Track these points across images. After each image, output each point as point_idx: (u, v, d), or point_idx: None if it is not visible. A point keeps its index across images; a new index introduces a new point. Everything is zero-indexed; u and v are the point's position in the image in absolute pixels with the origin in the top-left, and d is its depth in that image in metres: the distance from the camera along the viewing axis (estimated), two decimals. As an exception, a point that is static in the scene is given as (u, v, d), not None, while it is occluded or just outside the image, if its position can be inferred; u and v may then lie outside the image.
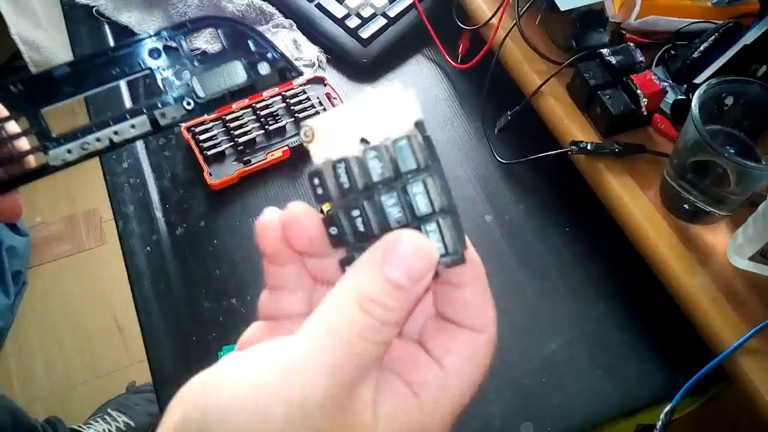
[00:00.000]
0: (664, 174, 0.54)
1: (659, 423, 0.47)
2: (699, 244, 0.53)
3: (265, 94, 0.68)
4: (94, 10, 0.75)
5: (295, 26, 0.74)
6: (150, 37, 0.37)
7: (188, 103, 0.38)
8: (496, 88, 0.65)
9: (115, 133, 0.37)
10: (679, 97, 0.59)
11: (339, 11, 0.73)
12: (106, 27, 0.75)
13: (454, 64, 0.70)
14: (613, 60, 0.58)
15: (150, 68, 0.37)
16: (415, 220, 0.25)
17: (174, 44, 0.38)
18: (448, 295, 0.25)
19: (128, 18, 0.75)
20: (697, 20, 0.63)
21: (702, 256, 0.52)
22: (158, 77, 0.38)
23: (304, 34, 0.74)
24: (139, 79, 0.38)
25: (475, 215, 0.61)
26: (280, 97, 0.68)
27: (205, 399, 0.22)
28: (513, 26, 0.63)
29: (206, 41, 0.73)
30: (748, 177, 0.48)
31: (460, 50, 0.72)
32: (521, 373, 0.52)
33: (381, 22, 0.73)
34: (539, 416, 0.50)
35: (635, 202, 0.55)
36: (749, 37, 0.56)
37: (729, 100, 0.51)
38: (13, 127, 0.35)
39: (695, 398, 0.53)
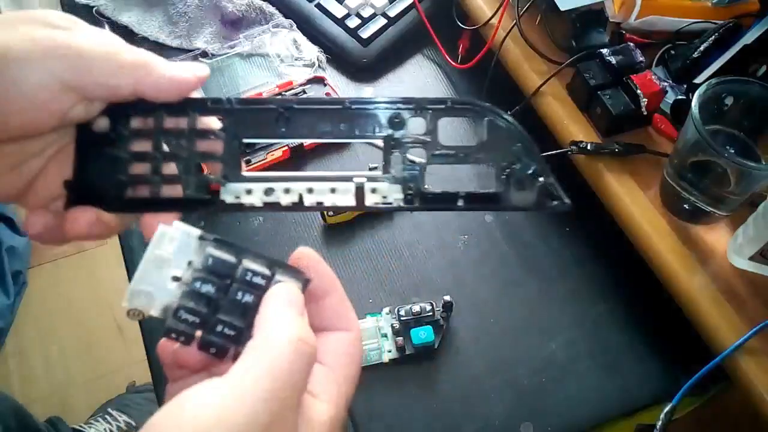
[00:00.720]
0: (664, 174, 0.54)
1: (659, 423, 0.47)
2: (699, 244, 0.53)
3: (264, 94, 0.68)
4: (94, 10, 0.75)
5: (295, 26, 0.74)
6: (396, 102, 0.31)
7: (409, 190, 0.31)
8: (496, 88, 0.65)
9: (309, 191, 0.31)
10: (679, 97, 0.59)
11: (339, 11, 0.73)
12: (107, 27, 0.75)
13: (454, 64, 0.70)
14: (613, 60, 0.58)
15: (387, 136, 0.31)
16: (262, 291, 0.28)
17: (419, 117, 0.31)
18: (314, 308, 0.29)
19: (128, 18, 0.75)
20: (697, 20, 0.63)
21: (702, 256, 0.52)
22: (388, 149, 0.31)
23: (304, 34, 0.74)
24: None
25: (475, 215, 0.61)
26: (280, 97, 0.68)
27: None
28: (513, 26, 0.63)
29: (206, 41, 0.73)
30: (748, 177, 0.48)
31: (460, 50, 0.72)
32: (521, 373, 0.52)
33: (381, 22, 0.73)
34: (539, 416, 0.50)
35: (635, 202, 0.55)
36: (749, 37, 0.56)
37: (729, 100, 0.51)
38: (214, 146, 0.31)
39: (695, 398, 0.53)
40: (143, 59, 0.28)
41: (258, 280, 0.28)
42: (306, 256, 0.29)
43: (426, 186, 0.31)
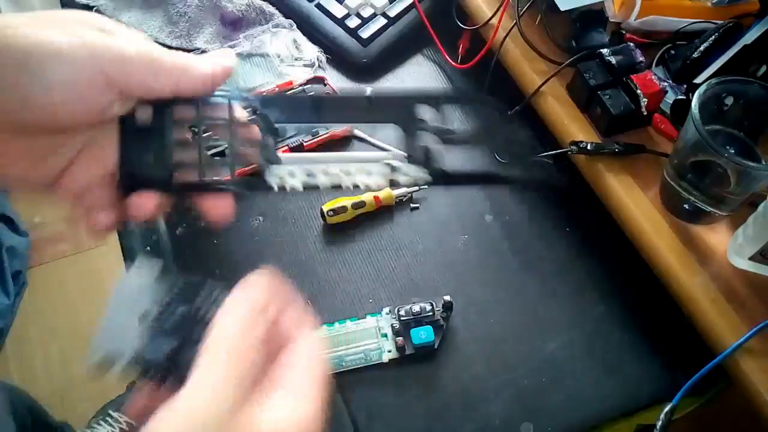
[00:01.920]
0: (664, 174, 0.54)
1: (659, 423, 0.47)
2: (699, 244, 0.53)
3: (264, 94, 0.68)
4: (94, 10, 0.75)
5: (295, 26, 0.74)
6: (413, 96, 0.34)
7: (432, 170, 0.34)
8: (496, 88, 0.65)
9: (347, 173, 0.34)
10: (679, 97, 0.59)
11: (339, 11, 0.73)
12: (106, 27, 0.75)
13: (454, 64, 0.70)
14: (613, 60, 0.58)
15: (406, 123, 0.34)
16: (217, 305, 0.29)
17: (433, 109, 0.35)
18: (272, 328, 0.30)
19: (128, 18, 0.75)
20: (697, 20, 0.63)
21: (702, 256, 0.52)
22: (409, 134, 0.34)
23: (304, 34, 0.74)
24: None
25: (475, 215, 0.61)
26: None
27: None
28: (513, 26, 0.63)
29: (206, 41, 0.73)
30: (748, 177, 0.48)
31: (460, 50, 0.72)
32: (521, 373, 0.52)
33: (381, 22, 0.73)
34: (539, 416, 0.50)
35: (635, 202, 0.55)
36: (749, 37, 0.56)
37: (729, 100, 0.51)
38: (252, 132, 0.34)
39: (695, 398, 0.53)
40: (182, 63, 0.31)
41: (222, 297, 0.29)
42: (264, 276, 0.31)
43: (439, 167, 0.34)
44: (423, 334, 0.52)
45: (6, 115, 0.27)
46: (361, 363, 0.52)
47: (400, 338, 0.52)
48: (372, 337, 0.53)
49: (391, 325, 0.53)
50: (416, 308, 0.53)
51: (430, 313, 0.53)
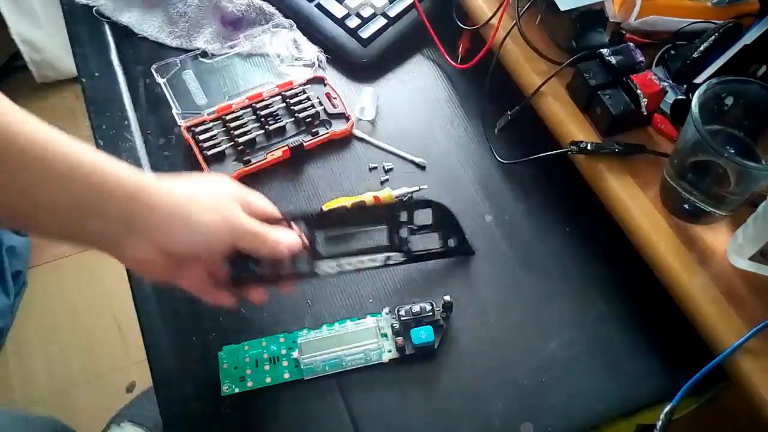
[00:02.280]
0: (664, 174, 0.54)
1: (659, 423, 0.47)
2: (699, 244, 0.53)
3: (264, 94, 0.68)
4: (94, 10, 0.75)
5: (295, 26, 0.74)
6: (395, 207, 0.55)
7: (406, 253, 0.56)
8: (496, 88, 0.65)
9: (361, 262, 0.53)
10: (679, 97, 0.59)
11: (339, 11, 0.73)
12: (106, 27, 0.75)
13: (454, 64, 0.70)
14: (613, 60, 0.58)
15: (391, 224, 0.55)
16: None
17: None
18: None
19: (128, 18, 0.75)
20: (697, 20, 0.63)
21: (702, 256, 0.52)
22: (392, 231, 0.55)
23: (304, 34, 0.74)
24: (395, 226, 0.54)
25: (475, 215, 0.61)
26: (279, 97, 0.68)
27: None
28: (513, 26, 0.63)
29: (206, 41, 0.73)
30: (748, 177, 0.48)
31: (460, 50, 0.72)
32: (521, 373, 0.52)
33: (381, 22, 0.73)
34: (539, 416, 0.50)
35: (635, 202, 0.55)
36: (749, 37, 0.56)
37: (729, 100, 0.51)
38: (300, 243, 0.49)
39: (695, 398, 0.53)
40: (274, 240, 0.45)
41: None
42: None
43: (413, 250, 0.56)
44: (423, 334, 0.52)
45: (160, 243, 0.41)
46: (361, 363, 0.52)
47: (400, 338, 0.52)
48: (372, 337, 0.53)
49: (391, 325, 0.53)
50: (416, 308, 0.53)
51: (430, 313, 0.53)
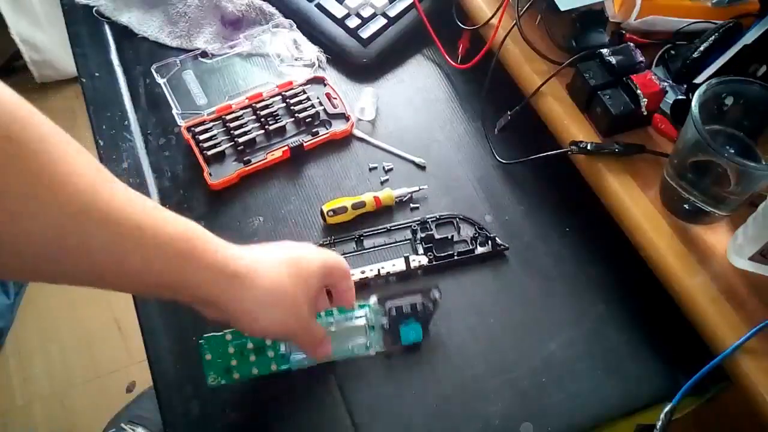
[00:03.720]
0: (664, 174, 0.54)
1: (659, 423, 0.47)
2: (699, 244, 0.53)
3: (264, 94, 0.68)
4: (94, 10, 0.75)
5: (295, 26, 0.74)
6: (419, 221, 0.60)
7: (431, 256, 0.59)
8: (496, 88, 0.65)
9: (382, 268, 0.58)
10: (679, 97, 0.59)
11: (339, 11, 0.73)
12: (106, 27, 0.75)
13: (454, 64, 0.70)
14: (613, 60, 0.58)
15: (413, 236, 0.60)
16: None
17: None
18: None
19: (128, 18, 0.75)
20: (697, 20, 0.63)
21: (702, 256, 0.52)
22: (414, 238, 0.60)
23: (304, 34, 0.74)
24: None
25: (475, 215, 0.61)
26: (280, 96, 0.68)
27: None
28: (513, 26, 0.63)
29: (206, 41, 0.73)
30: (748, 177, 0.48)
31: (460, 50, 0.72)
32: (521, 373, 0.52)
33: (381, 22, 0.73)
34: (539, 416, 0.50)
35: (635, 202, 0.55)
36: (749, 37, 0.56)
37: (729, 100, 0.51)
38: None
39: (695, 398, 0.53)
40: (314, 351, 0.49)
41: None
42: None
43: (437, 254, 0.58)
44: (411, 332, 0.51)
45: (234, 326, 0.45)
46: (347, 354, 0.51)
47: (389, 333, 0.51)
48: (360, 333, 0.51)
49: (381, 323, 0.52)
50: (405, 303, 0.52)
51: (420, 309, 0.52)
